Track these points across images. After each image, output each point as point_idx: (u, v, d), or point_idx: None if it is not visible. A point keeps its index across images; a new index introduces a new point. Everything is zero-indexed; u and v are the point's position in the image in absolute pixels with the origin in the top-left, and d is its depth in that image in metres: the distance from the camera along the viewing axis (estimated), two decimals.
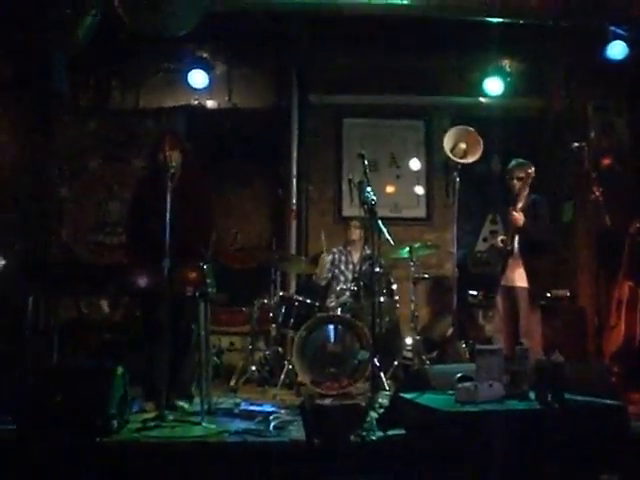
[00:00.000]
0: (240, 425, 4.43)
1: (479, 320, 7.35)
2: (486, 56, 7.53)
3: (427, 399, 3.81)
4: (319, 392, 5.77)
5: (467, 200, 6.82)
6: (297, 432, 4.22)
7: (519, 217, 5.74)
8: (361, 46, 7.71)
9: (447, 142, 6.35)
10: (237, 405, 5.12)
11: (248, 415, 4.76)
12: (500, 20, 6.83)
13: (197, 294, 4.73)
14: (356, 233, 7.19)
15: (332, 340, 6.09)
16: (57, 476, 3.69)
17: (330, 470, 3.74)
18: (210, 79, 7.47)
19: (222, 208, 7.56)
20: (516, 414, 3.56)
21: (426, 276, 7.20)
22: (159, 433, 4.17)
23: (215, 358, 6.62)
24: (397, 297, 6.64)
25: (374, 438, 3.98)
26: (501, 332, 6.12)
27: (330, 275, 7.15)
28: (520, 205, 5.83)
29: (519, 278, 5.81)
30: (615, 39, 6.80)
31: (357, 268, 6.86)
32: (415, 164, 8.33)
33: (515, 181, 5.86)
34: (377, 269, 5.36)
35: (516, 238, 5.82)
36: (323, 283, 7.12)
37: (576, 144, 6.79)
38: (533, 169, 5.84)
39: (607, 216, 6.34)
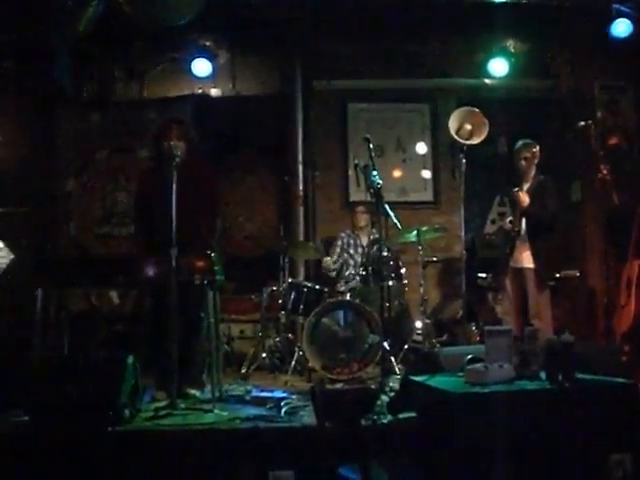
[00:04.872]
0: (252, 411, 4.42)
1: (489, 302, 7.33)
2: (490, 37, 7.48)
3: (437, 381, 3.81)
4: (330, 377, 5.78)
5: (474, 182, 6.79)
6: (308, 417, 4.21)
7: (524, 198, 5.74)
8: (364, 30, 7.64)
9: (452, 123, 6.31)
10: (248, 392, 5.13)
11: (259, 401, 4.76)
12: (504, 0, 6.77)
13: (205, 282, 4.73)
14: (363, 219, 7.19)
15: (342, 325, 6.12)
16: (70, 466, 3.70)
17: (342, 455, 3.74)
18: (214, 68, 7.49)
19: (229, 196, 7.57)
20: (527, 394, 3.56)
21: (435, 259, 7.20)
22: (171, 421, 4.18)
23: (226, 346, 6.63)
24: (406, 281, 6.64)
25: (385, 422, 3.98)
26: (511, 314, 6.12)
27: (340, 263, 7.16)
28: (527, 186, 5.85)
29: (527, 259, 5.81)
30: (619, 17, 6.76)
31: (366, 251, 6.86)
32: (421, 148, 8.31)
33: (522, 162, 5.87)
34: (385, 253, 5.35)
35: (524, 220, 5.82)
36: (333, 274, 7.14)
37: (582, 123, 6.78)
38: (538, 148, 5.87)
39: (615, 195, 6.32)
